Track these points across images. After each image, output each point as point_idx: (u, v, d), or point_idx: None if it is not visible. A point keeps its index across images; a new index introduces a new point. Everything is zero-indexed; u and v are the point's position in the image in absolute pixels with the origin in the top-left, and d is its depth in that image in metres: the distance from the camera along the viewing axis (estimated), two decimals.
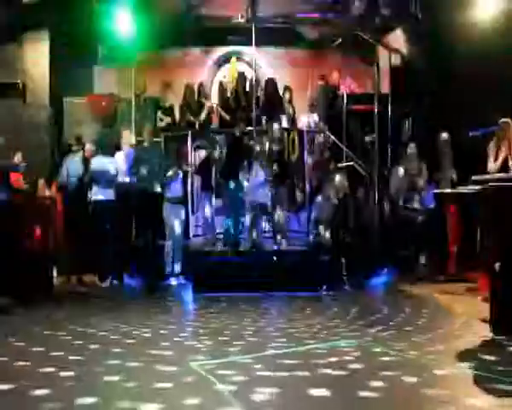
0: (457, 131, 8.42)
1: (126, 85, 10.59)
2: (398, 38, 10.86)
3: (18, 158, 9.32)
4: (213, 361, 4.05)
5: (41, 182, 9.15)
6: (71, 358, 4.19)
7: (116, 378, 3.65)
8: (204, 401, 3.25)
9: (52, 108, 10.36)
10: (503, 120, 7.16)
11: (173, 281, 8.43)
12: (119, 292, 8.13)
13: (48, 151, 10.14)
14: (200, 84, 10.77)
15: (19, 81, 10.26)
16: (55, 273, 8.37)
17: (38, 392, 3.38)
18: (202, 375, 3.72)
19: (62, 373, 3.77)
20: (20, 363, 4.03)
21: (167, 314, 6.35)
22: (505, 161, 7.04)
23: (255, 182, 8.51)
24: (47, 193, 9.00)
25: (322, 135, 10.10)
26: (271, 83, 10.78)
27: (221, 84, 11.16)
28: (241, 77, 10.92)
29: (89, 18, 9.53)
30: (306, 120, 10.54)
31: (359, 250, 8.58)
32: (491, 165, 7.08)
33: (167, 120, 10.52)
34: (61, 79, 10.55)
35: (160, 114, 10.59)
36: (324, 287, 7.65)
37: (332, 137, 9.99)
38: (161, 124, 10.52)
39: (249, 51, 10.45)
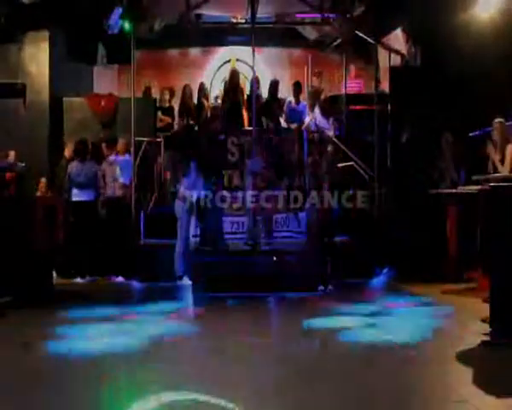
0: (457, 132, 8.41)
1: (126, 85, 10.59)
2: (398, 38, 10.85)
3: (11, 157, 9.33)
4: None
5: (43, 181, 9.13)
6: None
7: None
8: None
9: (52, 107, 10.36)
10: (497, 120, 7.13)
11: (181, 281, 8.40)
12: None
13: (47, 151, 10.14)
14: (201, 85, 10.75)
15: (19, 81, 10.26)
16: (54, 274, 8.35)
17: None
18: None
19: None
20: None
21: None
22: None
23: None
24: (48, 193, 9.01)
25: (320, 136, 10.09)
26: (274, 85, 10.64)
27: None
28: (234, 74, 10.69)
29: (89, 18, 9.54)
30: (307, 120, 10.53)
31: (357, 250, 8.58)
32: (501, 168, 6.95)
33: (167, 120, 10.51)
34: (61, 78, 10.55)
35: (160, 114, 10.59)
36: (322, 287, 7.62)
37: (334, 139, 9.98)
38: (160, 124, 10.52)
39: (249, 51, 10.41)
